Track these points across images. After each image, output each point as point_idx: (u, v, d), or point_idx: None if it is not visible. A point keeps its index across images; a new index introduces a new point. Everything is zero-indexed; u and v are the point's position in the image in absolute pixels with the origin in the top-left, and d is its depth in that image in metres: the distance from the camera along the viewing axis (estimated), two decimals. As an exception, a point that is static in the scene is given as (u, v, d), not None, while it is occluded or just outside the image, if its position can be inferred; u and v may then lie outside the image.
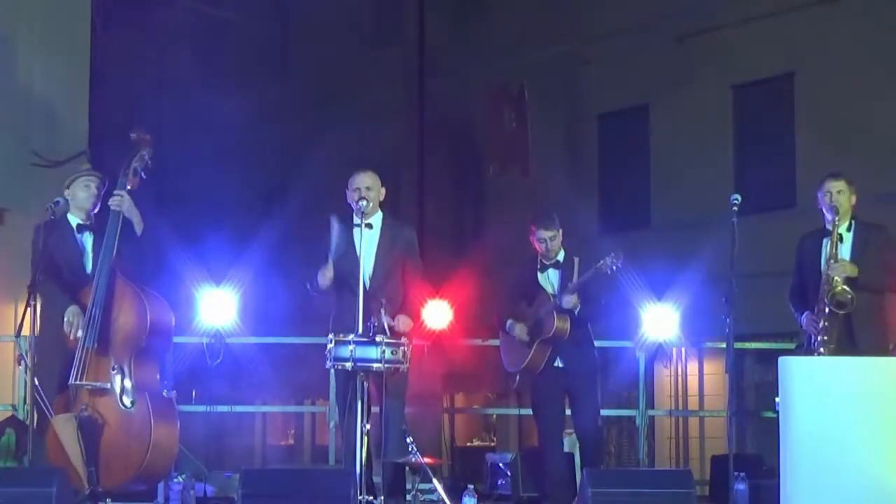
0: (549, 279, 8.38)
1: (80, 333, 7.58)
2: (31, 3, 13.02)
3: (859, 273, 7.73)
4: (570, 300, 8.10)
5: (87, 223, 7.93)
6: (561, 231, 8.38)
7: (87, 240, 7.91)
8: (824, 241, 7.92)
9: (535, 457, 9.08)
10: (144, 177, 7.87)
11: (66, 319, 7.62)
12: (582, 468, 8.28)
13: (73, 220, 7.93)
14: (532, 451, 9.59)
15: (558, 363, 8.28)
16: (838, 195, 7.89)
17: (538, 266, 8.42)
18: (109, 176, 7.98)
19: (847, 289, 7.68)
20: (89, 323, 7.59)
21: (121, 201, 7.74)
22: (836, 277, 7.73)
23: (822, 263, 7.89)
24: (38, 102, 12.88)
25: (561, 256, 8.40)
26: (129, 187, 7.81)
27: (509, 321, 8.41)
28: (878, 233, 7.96)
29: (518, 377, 8.51)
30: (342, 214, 7.91)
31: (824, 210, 7.96)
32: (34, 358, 7.63)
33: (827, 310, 7.74)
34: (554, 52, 18.40)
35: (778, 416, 6.50)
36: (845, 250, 7.85)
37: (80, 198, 7.91)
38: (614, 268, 7.94)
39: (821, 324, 7.79)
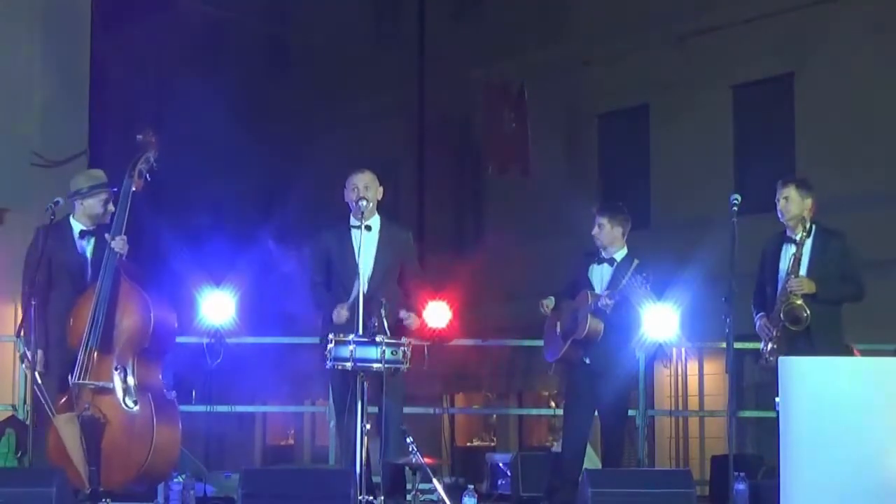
0: (602, 274, 8.38)
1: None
2: (31, 3, 13.02)
3: (818, 288, 7.74)
4: (606, 303, 8.10)
5: (91, 229, 7.94)
6: (612, 226, 8.35)
7: (88, 245, 7.92)
8: (784, 245, 7.94)
9: (536, 457, 9.10)
10: (149, 179, 7.86)
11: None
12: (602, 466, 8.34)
13: (77, 225, 7.93)
14: (532, 451, 9.60)
15: (587, 360, 8.30)
16: (784, 202, 7.92)
17: (594, 259, 8.44)
18: (115, 178, 8.01)
19: (804, 305, 7.70)
20: (93, 323, 7.61)
21: (122, 248, 7.70)
22: (793, 293, 7.74)
23: (780, 267, 7.91)
24: (38, 102, 12.89)
25: (619, 255, 8.38)
26: (133, 189, 7.80)
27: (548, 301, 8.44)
28: (837, 240, 7.96)
29: (554, 365, 8.54)
30: (339, 217, 7.94)
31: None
32: (34, 356, 7.64)
33: (781, 324, 7.78)
34: (554, 52, 18.40)
35: (778, 416, 6.50)
36: (804, 257, 7.84)
37: (97, 213, 7.91)
38: (644, 297, 8.02)
39: (773, 332, 7.84)
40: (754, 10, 16.54)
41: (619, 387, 8.37)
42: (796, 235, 7.88)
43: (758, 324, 8.01)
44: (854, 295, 7.91)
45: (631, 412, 10.02)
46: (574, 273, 8.59)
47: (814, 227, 7.90)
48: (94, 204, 7.90)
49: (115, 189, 7.98)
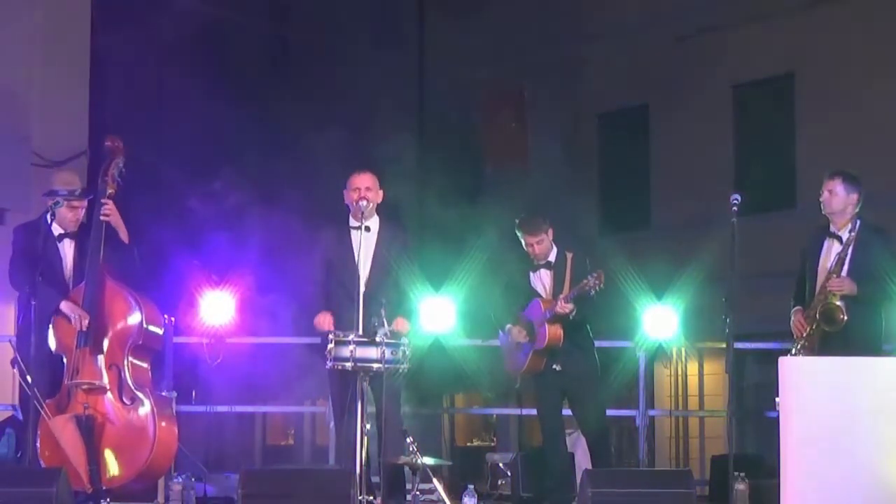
0: (542, 280, 8.37)
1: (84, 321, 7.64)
2: (31, 4, 13.02)
3: (859, 289, 7.58)
4: (565, 307, 8.07)
5: (69, 232, 8.00)
6: (550, 232, 8.35)
7: (68, 248, 7.97)
8: (826, 240, 7.81)
9: (536, 457, 9.11)
10: (121, 182, 7.99)
11: (71, 312, 7.68)
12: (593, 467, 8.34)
13: (56, 228, 7.98)
14: (532, 451, 9.60)
15: (556, 367, 8.29)
16: (829, 195, 7.76)
17: (530, 266, 8.40)
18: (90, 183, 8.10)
19: (841, 307, 7.56)
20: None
21: (109, 210, 7.83)
22: (832, 292, 7.60)
23: (818, 263, 7.77)
24: (38, 102, 12.88)
25: (552, 256, 8.37)
26: (109, 191, 7.91)
27: (508, 325, 8.41)
28: (881, 238, 7.77)
29: (519, 379, 8.54)
30: (338, 217, 7.95)
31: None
32: (26, 357, 7.66)
33: (815, 324, 7.66)
34: (554, 52, 18.39)
35: (778, 416, 6.50)
36: (847, 255, 7.67)
37: (66, 219, 7.98)
38: (597, 289, 7.92)
39: (806, 330, 7.71)
40: (754, 10, 16.53)
41: (590, 383, 8.35)
42: (841, 232, 7.71)
43: (792, 319, 7.87)
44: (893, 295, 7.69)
45: (631, 412, 10.04)
46: (512, 280, 8.53)
47: (858, 222, 7.72)
48: (63, 212, 7.96)
49: (91, 196, 8.10)
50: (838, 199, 7.75)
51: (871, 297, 7.65)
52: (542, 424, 8.55)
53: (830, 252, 7.77)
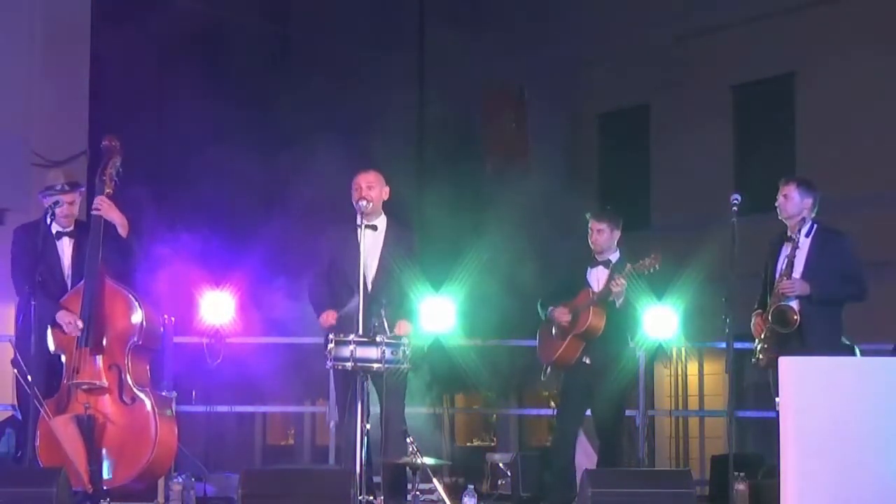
0: (597, 276, 8.44)
1: (80, 326, 7.66)
2: (31, 4, 13.03)
3: (812, 289, 7.66)
4: (620, 282, 8.12)
5: (67, 230, 8.00)
6: (612, 230, 8.43)
7: (67, 246, 7.99)
8: (783, 245, 7.87)
9: (535, 457, 9.12)
10: (118, 181, 8.01)
11: (65, 322, 7.68)
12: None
13: (55, 227, 7.99)
14: (532, 451, 9.62)
15: (586, 360, 8.33)
16: (783, 200, 7.85)
17: (590, 262, 8.50)
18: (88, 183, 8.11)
19: (794, 308, 7.64)
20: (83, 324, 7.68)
21: (100, 204, 7.83)
22: (784, 294, 7.68)
23: (777, 266, 7.85)
24: (38, 102, 12.89)
25: (614, 257, 8.47)
26: (107, 191, 7.92)
27: (550, 308, 8.46)
28: (837, 240, 7.88)
29: (549, 369, 8.57)
30: (339, 216, 7.95)
31: None
32: (26, 357, 7.66)
33: (770, 325, 7.73)
34: (554, 52, 18.40)
35: (778, 416, 6.50)
36: (800, 258, 7.77)
37: (61, 215, 7.98)
38: (654, 269, 7.99)
39: (764, 333, 7.78)
40: (754, 10, 16.55)
41: (618, 387, 8.41)
42: (795, 235, 7.83)
43: (752, 321, 7.97)
44: (854, 295, 7.84)
45: (631, 412, 10.05)
46: (566, 277, 8.66)
47: (814, 226, 7.84)
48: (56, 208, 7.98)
49: (82, 188, 8.14)
50: (792, 203, 7.83)
51: (827, 297, 7.72)
52: (559, 421, 8.60)
53: (784, 256, 7.84)
